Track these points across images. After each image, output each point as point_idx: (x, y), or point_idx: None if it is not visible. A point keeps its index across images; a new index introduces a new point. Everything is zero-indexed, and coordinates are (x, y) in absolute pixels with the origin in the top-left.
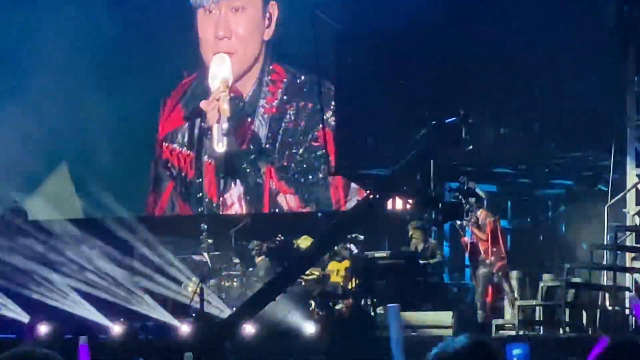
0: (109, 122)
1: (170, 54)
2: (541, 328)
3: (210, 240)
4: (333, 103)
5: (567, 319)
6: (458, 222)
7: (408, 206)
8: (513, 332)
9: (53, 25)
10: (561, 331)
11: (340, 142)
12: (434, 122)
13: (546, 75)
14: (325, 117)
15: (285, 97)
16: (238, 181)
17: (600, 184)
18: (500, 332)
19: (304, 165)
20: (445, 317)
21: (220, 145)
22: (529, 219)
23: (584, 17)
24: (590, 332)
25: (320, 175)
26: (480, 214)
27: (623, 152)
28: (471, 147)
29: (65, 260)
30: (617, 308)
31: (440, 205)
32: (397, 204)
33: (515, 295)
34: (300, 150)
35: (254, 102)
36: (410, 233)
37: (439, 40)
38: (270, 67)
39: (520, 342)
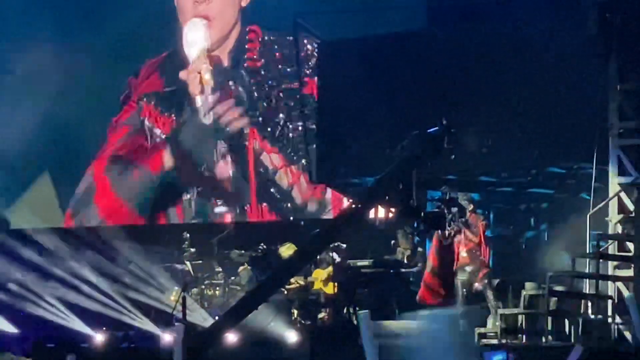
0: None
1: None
2: (524, 336)
3: (192, 249)
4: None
5: (549, 328)
6: (441, 232)
7: (390, 215)
8: (495, 341)
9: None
10: (543, 340)
11: (323, 150)
12: (416, 132)
13: (529, 83)
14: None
15: (264, 52)
16: (222, 142)
17: (583, 192)
18: (482, 340)
19: (288, 122)
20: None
21: (207, 118)
22: (511, 228)
23: (567, 25)
24: (572, 340)
25: (300, 129)
26: (471, 217)
27: (606, 160)
28: (454, 156)
29: (50, 270)
30: (599, 316)
31: (422, 214)
32: (379, 213)
33: (498, 303)
34: (281, 101)
35: (235, 66)
36: (394, 241)
37: (421, 49)
38: (247, 29)
39: (499, 351)
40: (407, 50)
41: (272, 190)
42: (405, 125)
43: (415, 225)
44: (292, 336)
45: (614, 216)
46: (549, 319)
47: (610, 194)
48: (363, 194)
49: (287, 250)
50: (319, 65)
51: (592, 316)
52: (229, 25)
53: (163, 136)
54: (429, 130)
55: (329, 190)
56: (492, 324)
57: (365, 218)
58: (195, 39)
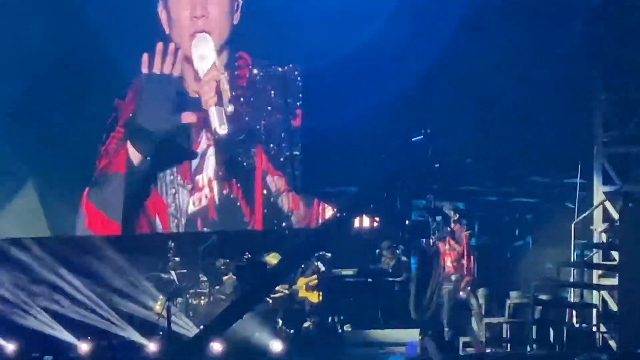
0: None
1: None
2: (508, 345)
3: (177, 259)
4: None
5: (534, 337)
6: (425, 240)
7: (375, 224)
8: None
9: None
10: (528, 349)
11: (308, 160)
12: (400, 141)
13: (513, 93)
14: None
15: (252, 83)
16: (211, 165)
17: (568, 201)
18: (467, 349)
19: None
20: (413, 334)
21: (223, 128)
22: (496, 237)
23: (551, 35)
24: (557, 349)
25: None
26: (456, 226)
27: (590, 169)
28: (437, 165)
29: (34, 279)
30: (584, 325)
31: (407, 223)
32: (364, 222)
33: (482, 312)
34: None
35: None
36: (378, 250)
37: (405, 60)
38: (237, 55)
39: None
40: (392, 60)
41: (274, 212)
42: (389, 134)
43: (400, 233)
44: (277, 345)
45: (598, 225)
46: (534, 327)
47: (595, 203)
48: (348, 203)
49: (272, 259)
50: (303, 75)
51: (577, 325)
52: (223, 42)
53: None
54: (412, 139)
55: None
56: (477, 333)
57: (350, 227)
58: (205, 52)
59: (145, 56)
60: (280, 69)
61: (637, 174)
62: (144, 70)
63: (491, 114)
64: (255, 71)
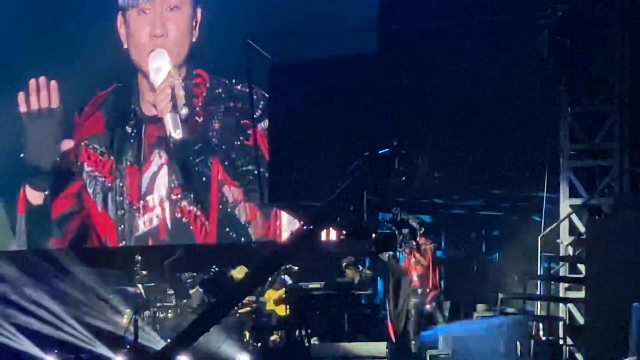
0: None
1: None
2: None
3: (144, 272)
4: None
5: (501, 350)
6: (392, 253)
7: (342, 237)
8: None
9: None
10: None
11: (274, 172)
12: (367, 153)
13: (480, 105)
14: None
15: (209, 102)
16: (163, 184)
17: (534, 214)
18: None
19: (241, 162)
20: (380, 347)
21: (177, 132)
22: (463, 249)
23: (518, 48)
24: None
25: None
26: (421, 240)
27: (557, 182)
28: (404, 178)
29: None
30: (550, 338)
31: (373, 236)
32: (331, 235)
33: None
34: (234, 144)
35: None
36: (343, 267)
37: (373, 72)
38: (194, 72)
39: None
40: (359, 73)
41: (231, 223)
42: (356, 147)
43: (367, 246)
44: (243, 358)
45: (565, 238)
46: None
47: (562, 216)
48: (314, 216)
49: (238, 272)
50: (270, 87)
51: (544, 338)
52: (181, 60)
53: (102, 179)
54: (379, 152)
55: (284, 231)
56: (444, 345)
57: (317, 240)
58: (161, 65)
59: (21, 95)
60: (238, 87)
61: (603, 187)
62: (22, 109)
63: (458, 127)
64: (211, 88)
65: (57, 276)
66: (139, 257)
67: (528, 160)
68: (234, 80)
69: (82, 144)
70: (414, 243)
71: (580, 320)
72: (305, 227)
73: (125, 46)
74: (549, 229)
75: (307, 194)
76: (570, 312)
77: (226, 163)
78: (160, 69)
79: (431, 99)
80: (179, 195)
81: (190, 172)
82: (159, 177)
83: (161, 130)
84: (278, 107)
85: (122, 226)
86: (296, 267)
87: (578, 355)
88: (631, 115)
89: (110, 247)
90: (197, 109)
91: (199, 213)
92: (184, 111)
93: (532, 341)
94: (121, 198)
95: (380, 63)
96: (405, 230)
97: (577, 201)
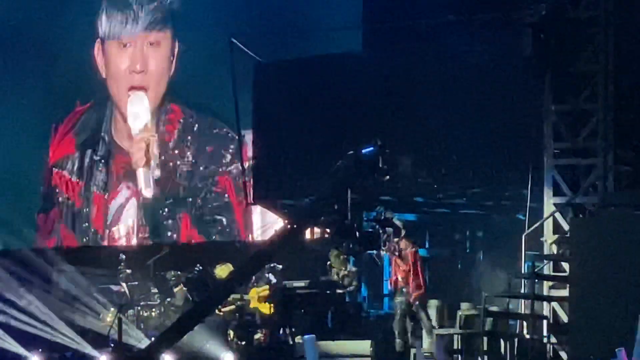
0: None
1: (65, 81)
2: (459, 357)
3: (128, 271)
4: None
5: (485, 348)
6: (375, 252)
7: (326, 236)
8: None
9: None
10: None
11: (259, 171)
12: (351, 152)
13: (465, 104)
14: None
15: (181, 138)
16: (131, 217)
17: (519, 212)
18: None
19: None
20: (364, 346)
21: (148, 191)
22: (447, 248)
23: (502, 46)
24: None
25: (225, 223)
26: (402, 243)
27: (541, 180)
28: (388, 177)
29: None
30: (535, 337)
31: (357, 235)
32: (315, 233)
33: (434, 323)
34: (202, 195)
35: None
36: (329, 262)
37: (357, 72)
38: (169, 107)
39: None
40: (343, 72)
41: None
42: (340, 146)
43: (351, 245)
44: (228, 357)
45: (549, 236)
46: (485, 339)
47: (545, 214)
48: (298, 215)
49: (222, 270)
50: (255, 86)
51: (528, 336)
52: (159, 96)
53: (70, 202)
54: (363, 151)
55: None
56: (429, 344)
57: (301, 238)
58: (139, 111)
59: None
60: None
61: (587, 185)
62: None
63: (442, 126)
64: (185, 123)
65: (42, 275)
66: (123, 256)
67: (512, 158)
68: (209, 118)
69: (55, 169)
70: (396, 241)
71: (564, 318)
72: (289, 226)
73: (103, 75)
74: (533, 228)
75: (291, 193)
76: (554, 311)
77: (196, 214)
78: (139, 115)
79: (415, 97)
80: (146, 235)
81: (159, 227)
82: (126, 209)
83: (130, 164)
84: (262, 106)
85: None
86: (280, 266)
87: (562, 354)
88: (615, 114)
89: (93, 245)
90: (171, 144)
91: None
92: (157, 172)
93: (516, 340)
94: (87, 224)
95: (365, 62)
96: (389, 229)
97: (561, 200)
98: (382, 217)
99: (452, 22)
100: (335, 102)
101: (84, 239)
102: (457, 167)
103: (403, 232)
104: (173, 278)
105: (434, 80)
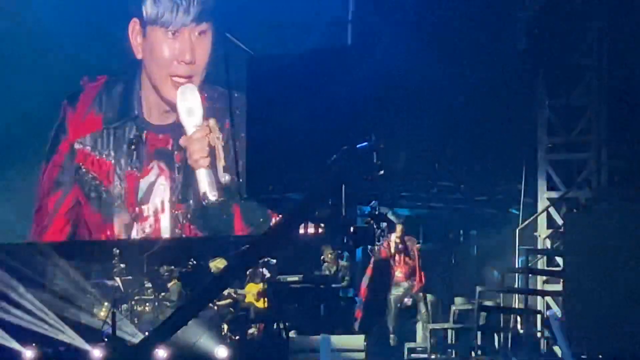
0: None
1: (73, 57)
2: (453, 352)
3: (122, 265)
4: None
5: (479, 343)
6: (369, 247)
7: (320, 231)
8: (425, 356)
9: None
10: (473, 354)
11: (252, 166)
12: (345, 147)
13: (458, 98)
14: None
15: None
16: (159, 195)
17: (512, 207)
18: (412, 355)
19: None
20: (358, 340)
21: (213, 194)
22: (440, 243)
23: (496, 39)
24: (502, 355)
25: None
26: (408, 241)
27: (534, 175)
28: (382, 171)
29: None
30: (528, 331)
31: (351, 230)
32: (309, 228)
33: (430, 319)
34: None
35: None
36: (323, 257)
37: (350, 65)
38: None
39: None
40: (337, 66)
41: None
42: (334, 141)
43: (345, 240)
44: (222, 351)
45: (542, 231)
46: (479, 333)
47: (539, 209)
48: (292, 210)
49: (217, 265)
50: (248, 80)
51: (522, 331)
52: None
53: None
54: (357, 146)
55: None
56: (422, 339)
57: (295, 233)
58: (192, 106)
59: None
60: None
61: (581, 180)
62: None
63: (436, 120)
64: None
65: (36, 269)
66: (117, 251)
67: (506, 153)
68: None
69: (77, 145)
70: (402, 246)
71: (558, 313)
72: (283, 221)
73: (138, 56)
74: (526, 222)
75: (285, 188)
76: (548, 305)
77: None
78: (193, 110)
79: (409, 92)
80: (182, 212)
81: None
82: (156, 187)
83: (162, 142)
84: (256, 100)
85: (118, 229)
86: (274, 260)
87: (555, 348)
88: (609, 109)
89: (88, 240)
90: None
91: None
92: (227, 178)
93: (509, 334)
94: (119, 202)
95: (358, 57)
96: (383, 224)
97: (555, 194)
98: (376, 212)
99: (444, 15)
100: (329, 96)
101: (112, 219)
102: (450, 161)
103: (401, 228)
104: (167, 273)
105: (428, 74)
